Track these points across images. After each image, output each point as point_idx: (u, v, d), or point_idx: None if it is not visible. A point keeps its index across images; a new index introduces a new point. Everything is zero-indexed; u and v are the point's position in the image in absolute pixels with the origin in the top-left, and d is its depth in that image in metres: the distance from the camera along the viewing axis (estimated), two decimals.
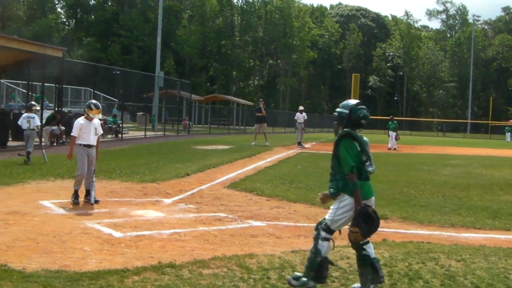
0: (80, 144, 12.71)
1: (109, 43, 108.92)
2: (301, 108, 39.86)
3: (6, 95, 38.18)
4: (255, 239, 9.62)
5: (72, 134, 12.89)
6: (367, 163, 7.05)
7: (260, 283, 7.05)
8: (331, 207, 7.09)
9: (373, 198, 7.18)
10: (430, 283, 7.31)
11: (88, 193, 12.66)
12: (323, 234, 6.97)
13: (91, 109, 12.87)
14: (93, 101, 13.76)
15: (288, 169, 21.51)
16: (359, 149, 6.99)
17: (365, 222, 6.70)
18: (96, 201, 12.52)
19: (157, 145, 32.50)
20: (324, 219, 7.09)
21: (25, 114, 21.40)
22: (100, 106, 13.36)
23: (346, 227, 6.92)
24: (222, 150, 30.37)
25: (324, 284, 7.04)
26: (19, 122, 21.44)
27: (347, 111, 7.17)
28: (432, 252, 8.90)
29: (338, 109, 7.27)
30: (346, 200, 6.87)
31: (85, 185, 12.68)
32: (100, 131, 13.25)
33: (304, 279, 6.89)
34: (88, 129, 12.80)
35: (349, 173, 6.82)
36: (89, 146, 12.77)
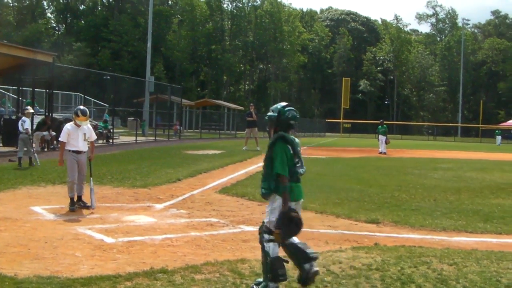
0: (69, 150, 12.65)
1: (99, 48, 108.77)
2: None
3: None
4: (247, 244, 9.61)
5: (60, 139, 12.88)
6: (298, 165, 7.28)
7: None
8: (266, 209, 7.31)
9: (302, 200, 7.45)
10: (423, 287, 7.31)
11: (79, 198, 12.63)
12: (266, 236, 7.08)
13: (78, 116, 12.81)
14: (81, 107, 13.64)
15: None
16: (292, 152, 7.13)
17: (286, 225, 6.86)
18: (86, 206, 12.48)
19: (148, 150, 32.46)
20: (264, 222, 7.23)
21: (22, 118, 22.00)
22: (88, 112, 13.28)
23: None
24: (213, 155, 30.35)
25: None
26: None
27: (275, 114, 7.23)
28: (424, 256, 8.89)
29: (268, 113, 7.31)
30: (278, 201, 7.02)
31: (76, 191, 12.65)
32: (93, 137, 13.17)
33: (264, 283, 7.02)
34: (76, 135, 12.70)
35: (281, 177, 7.01)
36: (78, 152, 12.69)
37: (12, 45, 30.67)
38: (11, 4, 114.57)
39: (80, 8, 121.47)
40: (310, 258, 7.12)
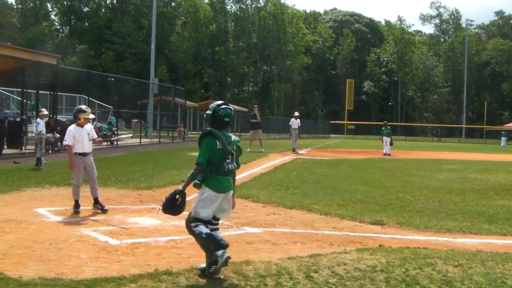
0: (75, 153, 12.52)
1: (103, 50, 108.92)
2: (296, 114, 39.49)
3: (1, 102, 38.15)
4: (252, 246, 9.60)
5: (66, 143, 12.71)
6: (227, 160, 7.73)
7: None
8: (195, 199, 7.89)
9: (231, 191, 7.87)
10: None
11: (96, 201, 12.59)
12: (192, 225, 7.66)
13: (85, 112, 12.69)
14: (80, 106, 13.65)
15: (284, 175, 21.48)
16: (220, 147, 7.64)
17: (169, 201, 7.76)
18: (104, 209, 12.44)
19: (152, 152, 32.47)
20: (190, 213, 7.81)
21: (37, 120, 22.99)
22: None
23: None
24: None
25: None
26: None
27: (211, 112, 7.88)
28: (429, 257, 8.88)
29: (207, 111, 7.98)
30: (207, 193, 7.64)
31: (91, 194, 12.62)
32: (94, 135, 13.05)
33: (214, 257, 7.44)
34: (81, 136, 12.51)
35: (197, 165, 7.69)
36: (84, 154, 12.56)
37: (16, 47, 30.74)
38: (15, 7, 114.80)
39: (84, 10, 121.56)
40: (221, 246, 7.52)
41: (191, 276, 7.45)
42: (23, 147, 28.31)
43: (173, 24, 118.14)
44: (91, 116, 13.02)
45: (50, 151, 28.11)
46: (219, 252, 7.46)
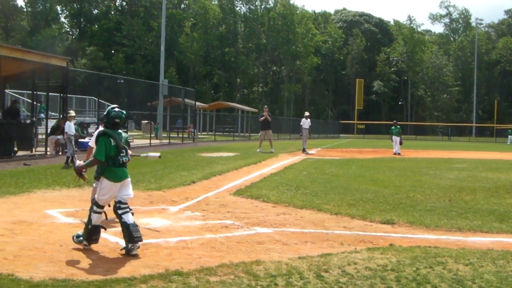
0: None
1: (113, 52, 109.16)
2: (306, 114, 39.42)
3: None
4: (262, 246, 9.59)
5: (89, 144, 12.64)
6: (121, 154, 9.07)
7: None
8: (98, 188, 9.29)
9: (127, 179, 9.23)
10: (438, 287, 7.29)
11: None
12: (94, 208, 9.06)
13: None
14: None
15: (294, 175, 21.47)
16: (114, 144, 8.97)
17: (76, 170, 9.29)
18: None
19: (163, 153, 32.41)
20: (94, 198, 9.32)
21: (66, 122, 24.42)
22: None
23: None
24: (227, 157, 30.36)
25: None
26: None
27: (105, 113, 9.26)
28: (440, 256, 8.87)
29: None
30: (105, 183, 9.00)
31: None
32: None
33: (81, 238, 9.09)
34: None
35: (95, 159, 9.05)
36: None
37: (26, 50, 30.78)
38: (25, 10, 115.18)
39: (94, 12, 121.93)
40: (133, 239, 8.71)
41: (202, 277, 7.45)
42: (33, 149, 28.38)
43: (183, 26, 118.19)
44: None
45: (60, 153, 28.17)
46: (84, 242, 9.07)
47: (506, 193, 17.56)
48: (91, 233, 8.95)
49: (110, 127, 9.15)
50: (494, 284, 7.47)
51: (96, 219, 8.98)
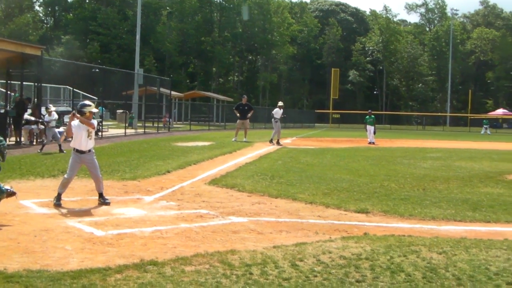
0: (74, 149, 12.40)
1: (88, 41, 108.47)
2: (280, 103, 37.23)
3: None
4: (237, 235, 9.60)
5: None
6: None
7: (243, 279, 7.03)
8: None
9: None
10: (412, 276, 7.34)
11: (100, 195, 12.49)
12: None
13: (90, 105, 12.48)
14: (84, 101, 13.41)
15: (269, 165, 21.51)
16: None
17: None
18: (106, 202, 12.35)
19: (138, 143, 32.37)
20: None
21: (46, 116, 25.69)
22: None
23: None
24: (203, 146, 30.33)
25: (306, 279, 7.05)
26: None
27: None
28: (414, 245, 8.94)
29: None
30: None
31: (96, 189, 12.59)
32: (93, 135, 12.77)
33: None
34: (80, 133, 12.29)
35: None
36: (81, 152, 12.34)
37: None
38: None
39: (68, 1, 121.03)
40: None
41: (177, 266, 7.45)
42: (7, 139, 28.18)
43: (159, 15, 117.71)
44: (95, 110, 12.97)
45: (34, 143, 28.02)
46: None
47: (479, 182, 17.73)
48: None
49: None
50: (467, 272, 7.53)
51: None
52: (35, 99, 30.99)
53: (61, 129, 26.59)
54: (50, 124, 24.85)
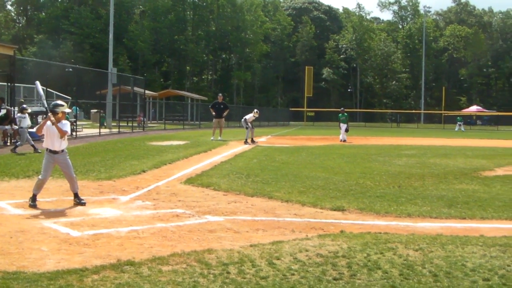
0: (47, 149, 12.31)
1: (61, 40, 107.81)
2: (255, 110, 36.94)
3: None
4: (213, 234, 9.59)
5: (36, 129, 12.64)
6: None
7: (220, 278, 7.02)
8: None
9: None
10: (389, 273, 7.36)
11: (75, 195, 12.40)
12: None
13: (63, 105, 12.43)
14: (56, 101, 13.33)
15: (244, 163, 21.51)
16: None
17: None
18: (81, 203, 12.25)
19: (112, 142, 32.23)
20: None
21: (18, 114, 25.50)
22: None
23: None
24: (178, 145, 30.27)
25: (283, 277, 7.06)
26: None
27: None
28: (390, 242, 8.97)
29: None
30: None
31: (71, 189, 12.50)
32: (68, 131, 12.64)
33: None
34: (51, 133, 12.20)
35: None
36: (54, 152, 12.24)
37: None
38: None
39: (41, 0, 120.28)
40: None
41: (154, 266, 7.43)
42: None
43: (131, 13, 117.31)
44: (68, 110, 12.91)
45: (8, 143, 27.81)
46: None
47: (454, 178, 17.85)
48: None
49: None
50: (443, 268, 7.58)
51: None
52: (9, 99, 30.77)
53: (34, 129, 26.43)
54: (22, 123, 24.95)
